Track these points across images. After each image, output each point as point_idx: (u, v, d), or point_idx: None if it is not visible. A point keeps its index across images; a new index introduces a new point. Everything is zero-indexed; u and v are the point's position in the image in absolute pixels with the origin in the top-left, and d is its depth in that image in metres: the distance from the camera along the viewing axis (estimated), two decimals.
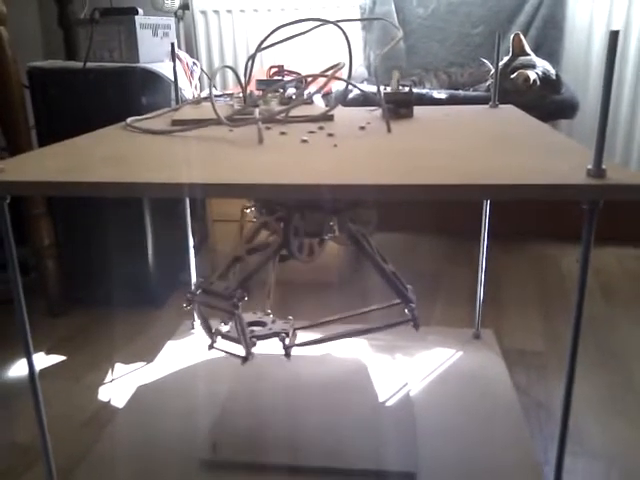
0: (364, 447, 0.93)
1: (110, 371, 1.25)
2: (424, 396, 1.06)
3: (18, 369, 1.27)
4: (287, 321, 0.99)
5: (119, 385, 1.20)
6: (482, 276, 1.22)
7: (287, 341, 0.95)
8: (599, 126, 0.58)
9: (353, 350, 1.20)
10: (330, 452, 0.92)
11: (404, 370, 1.13)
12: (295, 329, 0.99)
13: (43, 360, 1.30)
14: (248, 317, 0.99)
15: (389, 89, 1.02)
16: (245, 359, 0.91)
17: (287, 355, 0.94)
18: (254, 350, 1.05)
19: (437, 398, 1.05)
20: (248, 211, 1.00)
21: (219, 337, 0.93)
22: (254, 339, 0.93)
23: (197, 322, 1.29)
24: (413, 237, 1.99)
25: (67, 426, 1.08)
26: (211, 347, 0.94)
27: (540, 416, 1.06)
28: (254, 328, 0.97)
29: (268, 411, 1.03)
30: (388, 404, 1.03)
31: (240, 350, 0.91)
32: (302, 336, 1.00)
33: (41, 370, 1.27)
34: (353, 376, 1.12)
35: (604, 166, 0.58)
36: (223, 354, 1.12)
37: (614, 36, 0.53)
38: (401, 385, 1.08)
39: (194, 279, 1.28)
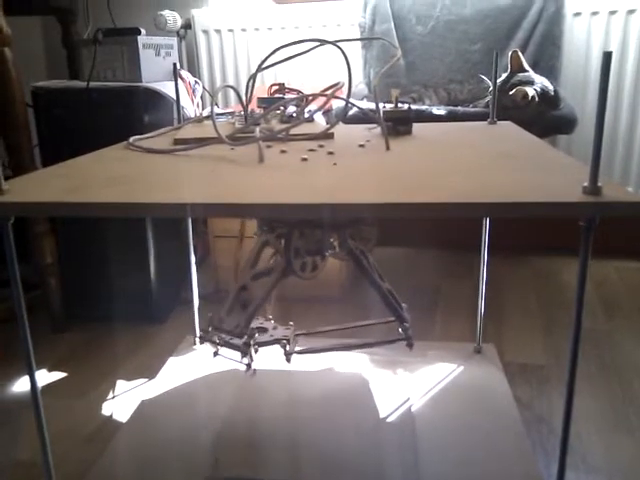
0: (365, 463, 0.93)
1: (112, 387, 1.26)
2: (425, 411, 1.06)
3: (21, 385, 1.28)
4: (288, 327, 1.01)
5: (121, 401, 1.20)
6: (483, 290, 1.22)
7: (288, 347, 0.96)
8: (594, 145, 0.59)
9: (354, 365, 1.21)
10: (331, 468, 0.92)
11: (405, 385, 1.14)
12: (296, 335, 1.00)
13: (46, 377, 1.31)
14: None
15: (388, 106, 1.03)
16: (249, 367, 0.92)
17: (288, 361, 0.96)
18: (257, 366, 1.06)
19: (438, 413, 1.05)
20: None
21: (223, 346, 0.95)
22: (256, 346, 0.94)
23: (198, 338, 1.30)
24: (413, 251, 2.00)
25: (70, 442, 1.08)
26: (216, 354, 0.96)
27: (542, 430, 1.06)
28: (256, 334, 0.98)
29: (269, 427, 1.03)
30: (389, 419, 1.03)
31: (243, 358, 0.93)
32: (302, 344, 1.02)
33: (44, 386, 1.27)
34: (354, 391, 1.12)
35: (600, 183, 0.59)
36: (224, 369, 1.13)
37: (607, 57, 0.54)
38: (402, 400, 1.08)
39: (196, 295, 1.28)
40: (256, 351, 0.94)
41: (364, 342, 1.03)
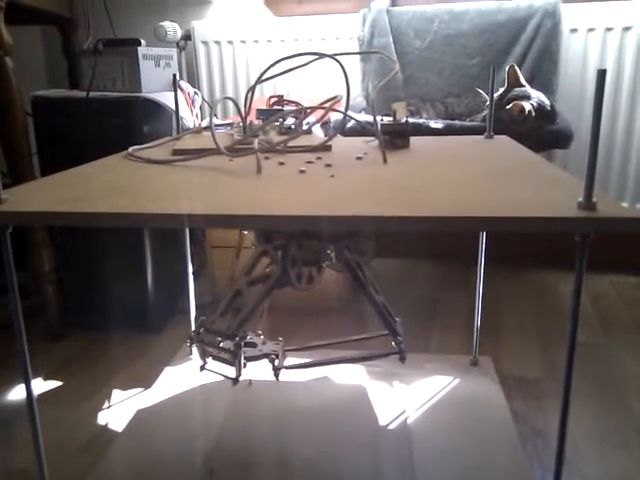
0: (362, 475, 0.93)
1: (108, 397, 1.25)
2: (421, 423, 1.06)
3: (17, 394, 1.27)
4: (277, 342, 1.01)
5: (117, 410, 1.20)
6: (479, 303, 1.23)
7: (277, 362, 0.96)
8: (589, 160, 0.59)
9: (350, 377, 1.21)
10: (328, 478, 0.91)
11: (401, 397, 1.14)
12: (285, 351, 1.00)
13: (42, 385, 1.31)
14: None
15: (386, 119, 1.04)
16: (236, 380, 0.92)
17: (276, 376, 0.96)
18: (252, 377, 1.05)
19: (434, 425, 1.05)
20: (246, 232, 1.01)
21: (210, 358, 0.95)
22: (244, 360, 0.94)
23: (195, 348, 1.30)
24: (411, 263, 2.00)
25: (65, 451, 1.08)
26: (203, 368, 0.95)
27: (538, 445, 1.06)
28: (245, 349, 0.98)
29: (265, 438, 1.03)
30: (386, 431, 1.03)
31: (231, 371, 0.93)
32: (292, 359, 1.02)
33: (39, 395, 1.27)
34: (350, 403, 1.12)
35: (595, 199, 0.59)
36: (220, 379, 1.13)
37: (601, 75, 0.55)
38: (399, 412, 1.08)
39: (193, 305, 1.29)
40: (244, 365, 0.94)
41: (356, 356, 1.03)
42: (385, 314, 0.99)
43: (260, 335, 1.02)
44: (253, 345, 0.99)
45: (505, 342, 1.45)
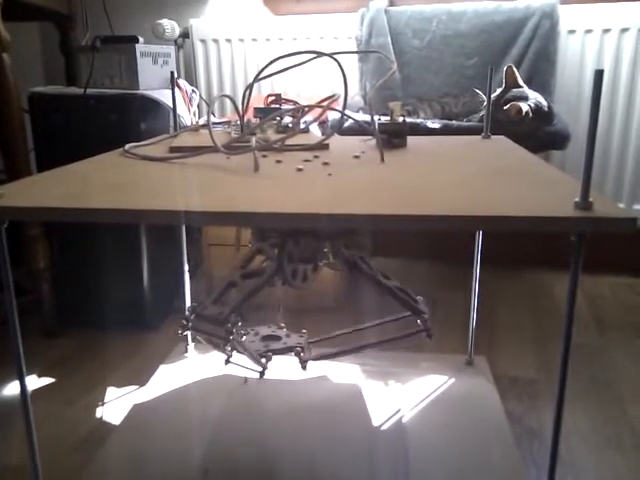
0: (356, 473, 0.93)
1: (103, 394, 1.25)
2: (416, 422, 1.06)
3: (11, 390, 1.27)
4: (301, 335, 1.01)
5: (113, 407, 1.20)
6: (475, 303, 1.23)
7: (303, 355, 0.96)
8: (586, 160, 0.59)
9: (346, 375, 1.21)
10: (322, 478, 0.91)
11: (397, 396, 1.14)
12: (309, 343, 1.00)
13: (36, 382, 1.30)
14: (262, 331, 1.01)
15: (383, 119, 1.04)
16: (262, 374, 0.91)
17: (304, 368, 0.95)
18: (248, 375, 1.04)
19: (429, 425, 1.05)
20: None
21: (234, 352, 0.94)
22: (270, 353, 0.93)
23: (191, 346, 1.30)
24: (407, 263, 2.00)
25: (59, 448, 1.07)
26: (227, 362, 0.95)
27: (532, 445, 1.06)
28: (269, 342, 0.97)
29: (260, 436, 1.03)
30: (381, 430, 1.03)
31: (256, 366, 0.93)
32: (315, 350, 1.00)
33: (34, 391, 1.26)
34: (345, 402, 1.12)
35: (591, 199, 0.60)
36: (216, 377, 1.13)
37: (599, 75, 0.55)
38: (394, 411, 1.08)
39: (188, 303, 1.28)
40: (270, 359, 0.93)
41: (380, 340, 1.00)
42: (403, 296, 0.98)
43: (283, 328, 1.02)
44: (277, 338, 0.99)
45: (500, 342, 1.45)
